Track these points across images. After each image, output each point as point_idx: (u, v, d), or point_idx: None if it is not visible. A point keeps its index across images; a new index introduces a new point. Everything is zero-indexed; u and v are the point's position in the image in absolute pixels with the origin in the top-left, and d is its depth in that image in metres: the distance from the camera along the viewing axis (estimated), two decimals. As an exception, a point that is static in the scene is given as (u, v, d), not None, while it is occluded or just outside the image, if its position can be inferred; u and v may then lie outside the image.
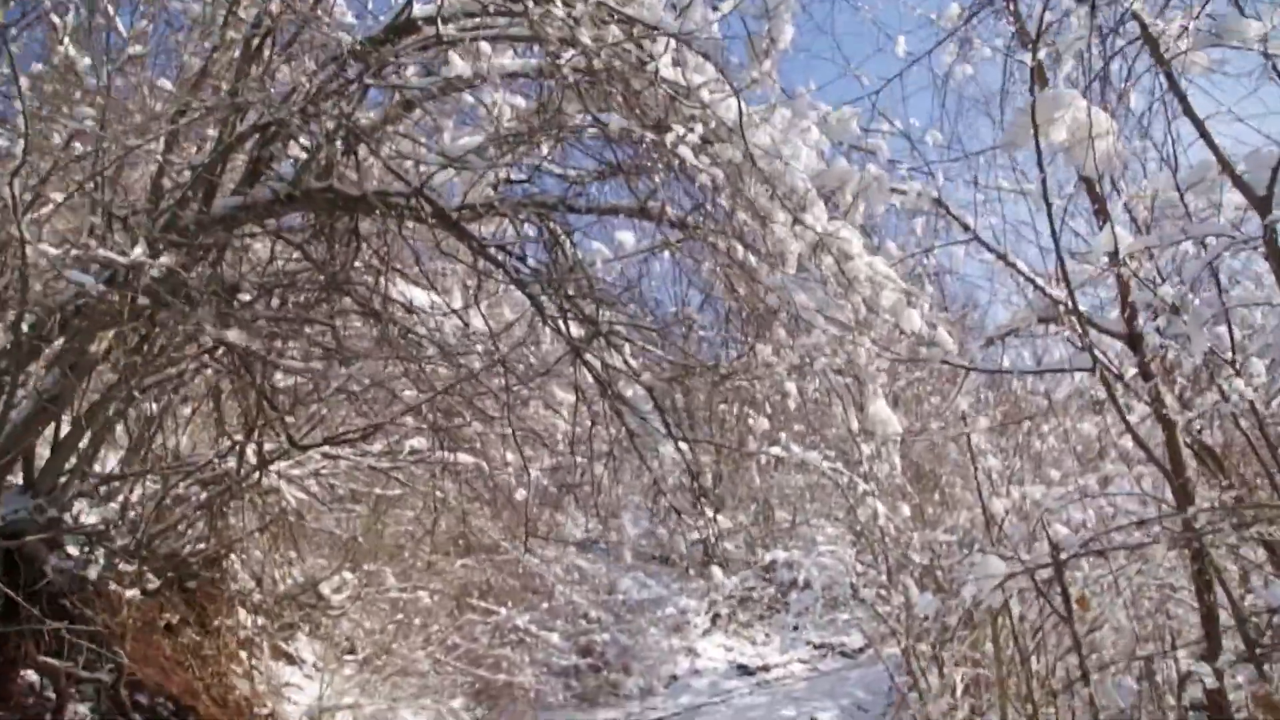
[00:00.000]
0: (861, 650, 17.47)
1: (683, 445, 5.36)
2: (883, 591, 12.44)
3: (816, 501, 15.50)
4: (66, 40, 5.82)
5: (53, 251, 4.18)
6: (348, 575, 9.09)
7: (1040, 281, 5.79)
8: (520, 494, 10.62)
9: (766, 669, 17.93)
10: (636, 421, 5.28)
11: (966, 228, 4.87)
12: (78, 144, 5.28)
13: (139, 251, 4.16)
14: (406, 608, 11.67)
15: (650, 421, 5.31)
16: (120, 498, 6.04)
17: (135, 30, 6.09)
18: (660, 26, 4.54)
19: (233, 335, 4.64)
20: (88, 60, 5.85)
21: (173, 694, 6.14)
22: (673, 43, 4.53)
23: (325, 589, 9.13)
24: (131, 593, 6.00)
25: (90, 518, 5.74)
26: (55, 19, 5.94)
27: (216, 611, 8.96)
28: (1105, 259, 5.20)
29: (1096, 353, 5.14)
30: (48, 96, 5.79)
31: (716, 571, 5.67)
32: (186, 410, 6.96)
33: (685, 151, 4.47)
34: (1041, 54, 4.83)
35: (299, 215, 5.17)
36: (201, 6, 5.82)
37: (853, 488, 12.89)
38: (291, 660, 11.08)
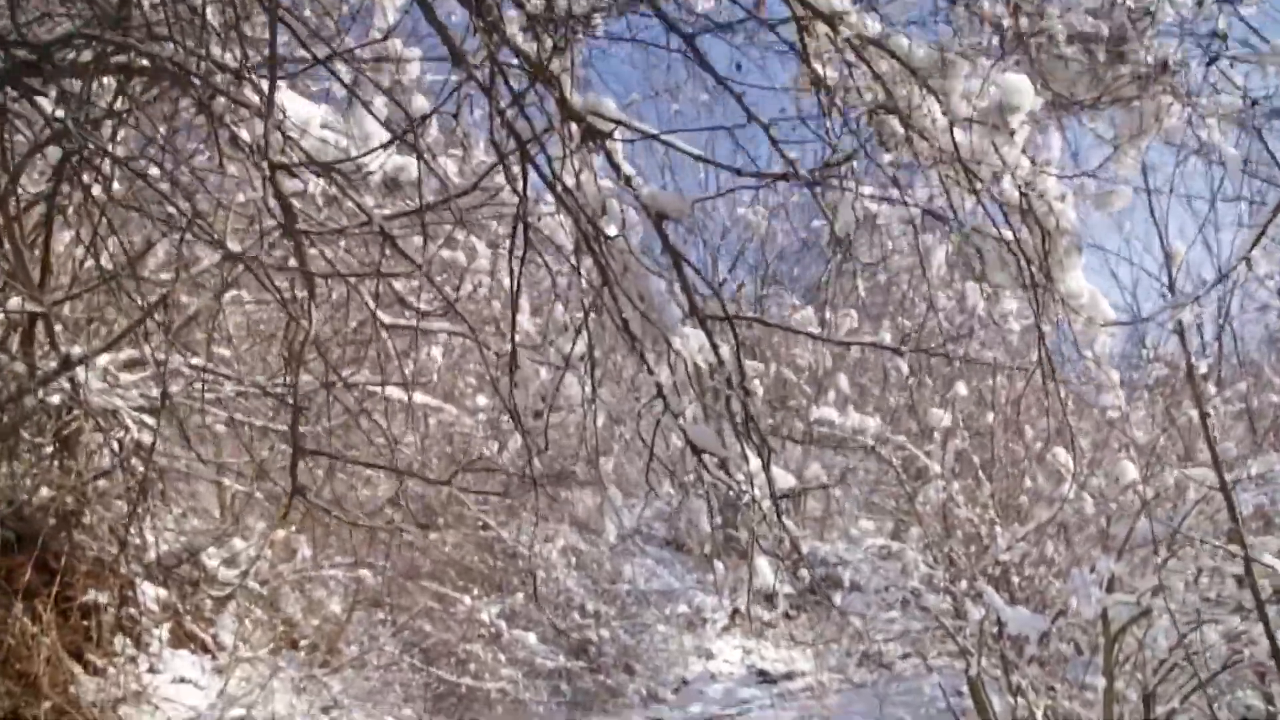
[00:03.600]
0: (904, 658, 15.30)
1: (714, 328, 2.89)
2: (949, 601, 10.08)
3: (865, 485, 13.00)
4: None
5: None
6: (239, 543, 6.73)
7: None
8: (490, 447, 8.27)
9: (790, 677, 15.75)
10: (636, 281, 2.84)
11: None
12: None
13: None
14: (352, 589, 9.45)
15: (657, 288, 2.89)
16: None
17: None
18: None
19: None
20: None
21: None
22: None
23: (211, 560, 6.77)
24: None
25: None
26: None
27: (70, 583, 6.66)
28: None
29: None
30: None
31: (763, 565, 3.59)
32: None
33: None
34: None
35: None
36: None
37: (917, 470, 10.44)
38: (206, 649, 8.78)
